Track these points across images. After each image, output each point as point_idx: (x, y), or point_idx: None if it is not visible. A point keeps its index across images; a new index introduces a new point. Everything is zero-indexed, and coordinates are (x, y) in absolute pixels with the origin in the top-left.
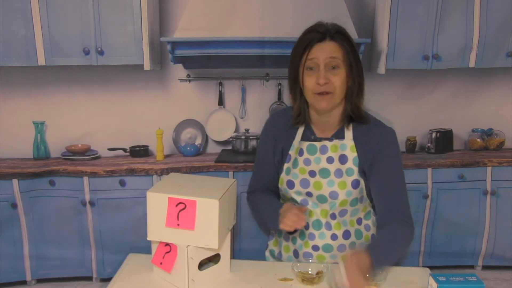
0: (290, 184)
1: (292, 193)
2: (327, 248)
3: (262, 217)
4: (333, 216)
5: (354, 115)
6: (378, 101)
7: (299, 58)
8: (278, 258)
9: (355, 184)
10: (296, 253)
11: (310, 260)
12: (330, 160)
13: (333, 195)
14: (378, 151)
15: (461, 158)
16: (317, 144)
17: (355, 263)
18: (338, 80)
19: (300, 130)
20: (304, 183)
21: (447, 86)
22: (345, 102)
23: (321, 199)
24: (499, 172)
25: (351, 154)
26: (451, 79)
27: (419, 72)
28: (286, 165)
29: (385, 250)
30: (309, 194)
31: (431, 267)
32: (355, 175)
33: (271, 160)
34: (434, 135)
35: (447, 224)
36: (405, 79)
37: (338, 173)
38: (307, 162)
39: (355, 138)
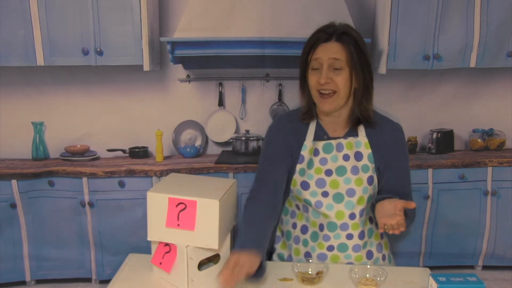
0: (305, 185)
1: (306, 195)
2: (342, 247)
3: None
4: (352, 216)
5: (363, 118)
6: (378, 101)
7: (305, 58)
8: (288, 261)
9: (370, 181)
10: (308, 256)
11: (310, 261)
12: (346, 157)
13: (350, 193)
14: (391, 149)
15: (461, 158)
16: (333, 142)
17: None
18: (341, 80)
19: (311, 130)
20: (320, 183)
21: (447, 86)
22: (352, 104)
23: (338, 198)
24: (499, 173)
25: (366, 151)
26: (452, 79)
27: (420, 72)
28: (299, 166)
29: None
30: (324, 194)
31: (431, 267)
32: (370, 172)
33: (281, 160)
34: (435, 135)
35: (447, 224)
36: (405, 79)
37: (354, 170)
38: (323, 161)
39: (368, 136)
